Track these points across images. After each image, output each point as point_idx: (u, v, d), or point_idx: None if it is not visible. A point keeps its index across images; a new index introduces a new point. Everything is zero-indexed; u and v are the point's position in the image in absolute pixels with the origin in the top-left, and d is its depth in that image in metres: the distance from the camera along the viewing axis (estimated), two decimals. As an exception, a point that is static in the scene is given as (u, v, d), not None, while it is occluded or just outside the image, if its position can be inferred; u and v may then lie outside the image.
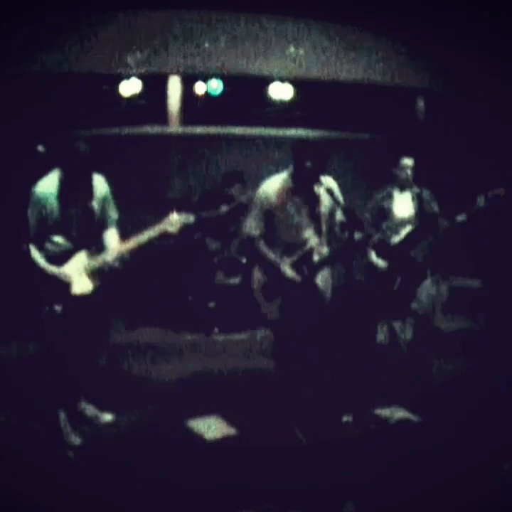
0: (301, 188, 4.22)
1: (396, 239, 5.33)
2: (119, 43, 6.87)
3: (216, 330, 6.55)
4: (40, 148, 3.76)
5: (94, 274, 4.20)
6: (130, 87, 7.18)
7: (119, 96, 7.23)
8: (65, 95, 6.58)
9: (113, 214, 4.33)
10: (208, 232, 6.67)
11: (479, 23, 6.53)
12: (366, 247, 5.10)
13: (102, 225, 4.27)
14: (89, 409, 4.42)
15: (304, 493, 3.42)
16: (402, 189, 5.40)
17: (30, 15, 6.18)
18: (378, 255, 5.24)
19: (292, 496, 3.40)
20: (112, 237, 4.28)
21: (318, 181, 4.14)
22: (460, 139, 7.03)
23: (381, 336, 5.71)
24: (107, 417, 4.44)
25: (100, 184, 4.25)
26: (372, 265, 5.25)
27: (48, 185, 4.10)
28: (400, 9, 6.56)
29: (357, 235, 4.06)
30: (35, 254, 4.07)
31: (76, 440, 4.03)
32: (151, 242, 4.17)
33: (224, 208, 6.47)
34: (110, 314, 6.37)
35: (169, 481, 3.50)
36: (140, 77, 7.12)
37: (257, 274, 4.33)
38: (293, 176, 4.24)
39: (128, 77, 7.11)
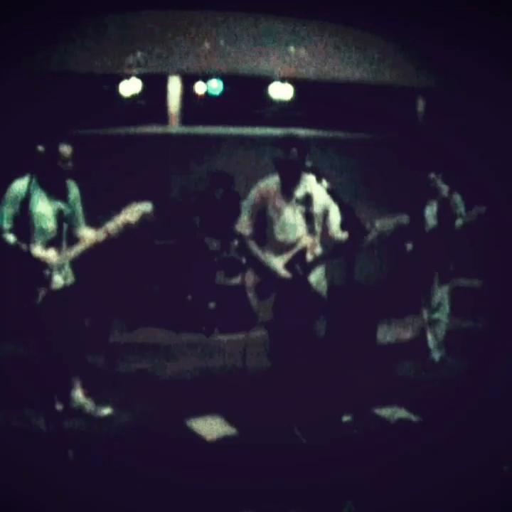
0: (292, 188, 4.22)
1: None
2: (119, 43, 6.88)
3: (216, 330, 6.55)
4: (40, 148, 3.75)
5: (63, 270, 4.28)
6: (130, 87, 7.18)
7: (119, 96, 7.23)
8: (65, 95, 6.58)
9: (82, 215, 4.43)
10: (208, 232, 6.68)
11: (479, 23, 6.53)
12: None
13: (73, 224, 4.34)
14: (88, 404, 4.47)
15: (304, 493, 3.42)
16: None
17: (30, 15, 6.18)
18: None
19: (292, 496, 3.40)
20: (88, 232, 4.35)
21: (301, 179, 4.17)
22: (460, 139, 7.03)
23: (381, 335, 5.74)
24: (106, 410, 4.48)
25: (72, 187, 4.36)
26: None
27: (21, 183, 4.14)
28: (399, 9, 6.56)
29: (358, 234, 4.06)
30: (9, 238, 4.13)
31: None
32: (118, 234, 4.19)
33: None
34: (110, 314, 6.40)
35: (169, 481, 3.50)
36: (140, 77, 7.12)
37: (250, 273, 4.34)
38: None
39: (128, 77, 7.12)
